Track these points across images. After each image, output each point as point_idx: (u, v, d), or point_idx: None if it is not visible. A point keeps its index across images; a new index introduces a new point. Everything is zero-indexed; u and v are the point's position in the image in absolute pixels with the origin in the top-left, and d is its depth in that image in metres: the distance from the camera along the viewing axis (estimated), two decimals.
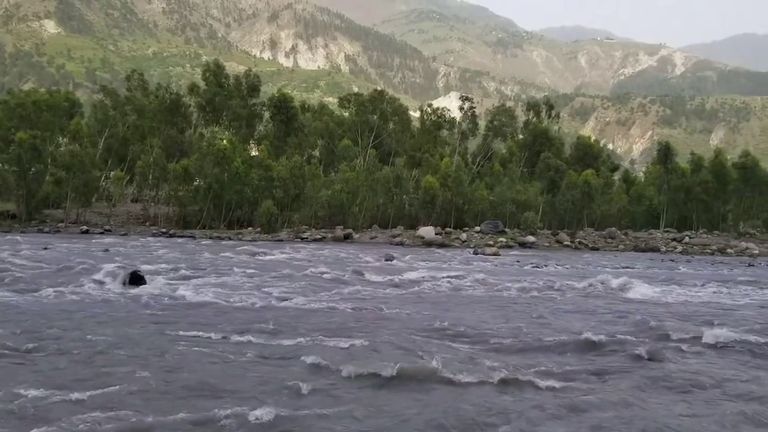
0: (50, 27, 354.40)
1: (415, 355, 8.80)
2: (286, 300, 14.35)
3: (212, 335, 10.01)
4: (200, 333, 10.16)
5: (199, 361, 8.34)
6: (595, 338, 9.95)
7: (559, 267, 28.87)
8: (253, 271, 21.02)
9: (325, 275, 20.34)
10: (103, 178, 62.87)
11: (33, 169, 54.02)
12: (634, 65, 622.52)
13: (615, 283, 19.21)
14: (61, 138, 63.66)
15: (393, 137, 74.79)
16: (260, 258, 28.35)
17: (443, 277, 20.44)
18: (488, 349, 9.71)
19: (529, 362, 8.71)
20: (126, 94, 75.94)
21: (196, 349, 9.03)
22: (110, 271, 18.14)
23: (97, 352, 8.68)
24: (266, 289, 16.14)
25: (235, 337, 9.92)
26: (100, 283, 16.17)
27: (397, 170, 62.06)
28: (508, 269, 26.78)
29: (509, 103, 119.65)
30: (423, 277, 20.42)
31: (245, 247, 35.24)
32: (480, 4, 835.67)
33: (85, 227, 50.08)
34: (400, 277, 20.53)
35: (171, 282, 17.02)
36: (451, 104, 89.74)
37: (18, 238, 38.57)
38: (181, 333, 10.18)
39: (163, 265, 21.74)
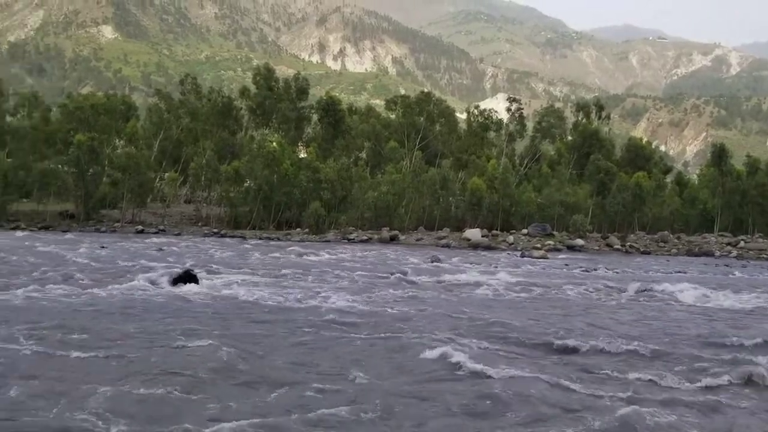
0: (107, 33, 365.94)
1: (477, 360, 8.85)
2: (332, 299, 14.58)
3: (264, 332, 10.34)
4: (257, 330, 10.50)
5: (248, 357, 8.64)
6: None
7: (609, 271, 28.41)
8: (301, 271, 21.39)
9: (371, 276, 20.56)
10: (157, 179, 64.62)
11: (91, 170, 55.83)
12: (688, 65, 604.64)
13: (669, 288, 18.84)
14: (117, 140, 65.82)
15: (439, 139, 74.67)
16: (308, 258, 28.80)
17: (490, 279, 20.42)
18: (551, 353, 9.72)
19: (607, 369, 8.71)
20: (180, 98, 78.04)
21: (251, 346, 9.35)
22: (164, 270, 18.78)
23: (161, 347, 9.06)
24: (314, 289, 16.43)
25: (284, 333, 10.22)
26: (155, 281, 16.71)
27: (444, 172, 61.96)
28: (556, 272, 26.52)
29: (558, 104, 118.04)
30: (470, 280, 20.43)
31: (293, 248, 35.80)
32: (529, 4, 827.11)
33: (140, 227, 51.56)
34: (446, 278, 20.60)
35: (222, 281, 17.49)
36: (498, 106, 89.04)
37: (77, 237, 40.08)
38: (234, 330, 10.53)
39: (215, 265, 22.34)
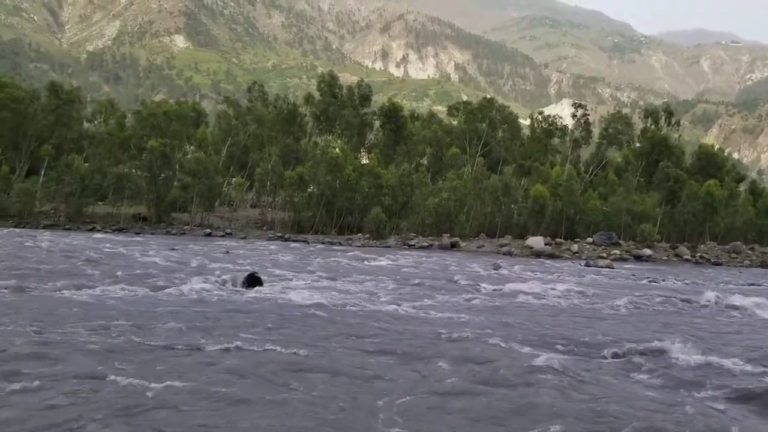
0: (180, 42, 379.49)
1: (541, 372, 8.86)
2: (394, 305, 14.72)
3: (326, 334, 10.60)
4: (320, 333, 10.78)
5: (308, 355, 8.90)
6: None
7: (679, 282, 27.52)
8: (362, 276, 21.66)
9: (431, 282, 20.63)
10: (225, 184, 66.50)
11: (162, 175, 57.93)
12: (763, 70, 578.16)
13: (743, 301, 18.15)
14: (188, 146, 68.24)
15: (502, 145, 74.04)
16: (369, 263, 29.08)
17: (554, 289, 20.16)
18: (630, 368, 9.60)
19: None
20: (247, 105, 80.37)
21: (310, 348, 9.61)
22: (230, 273, 19.39)
23: (227, 350, 9.44)
24: (375, 294, 16.62)
25: (345, 336, 10.44)
26: (221, 283, 17.27)
27: (506, 179, 61.41)
28: (623, 282, 25.89)
29: (625, 110, 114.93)
30: (532, 288, 20.21)
31: (354, 253, 36.19)
32: (595, 8, 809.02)
33: (208, 230, 53.14)
34: (508, 287, 20.45)
35: (285, 284, 17.91)
36: (563, 111, 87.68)
37: (148, 239, 41.71)
38: (296, 332, 10.84)
39: (279, 269, 22.87)
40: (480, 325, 12.43)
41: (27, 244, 29.89)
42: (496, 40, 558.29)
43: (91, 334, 9.76)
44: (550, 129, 74.45)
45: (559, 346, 10.55)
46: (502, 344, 10.36)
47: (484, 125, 73.41)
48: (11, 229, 44.33)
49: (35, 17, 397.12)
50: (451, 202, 57.06)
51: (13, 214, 51.80)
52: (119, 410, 6.37)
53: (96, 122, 77.41)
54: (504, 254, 45.91)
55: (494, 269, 28.91)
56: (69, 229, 47.98)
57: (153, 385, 7.09)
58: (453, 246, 50.00)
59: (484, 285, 20.52)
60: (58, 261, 21.97)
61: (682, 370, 9.05)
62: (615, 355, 9.98)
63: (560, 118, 76.36)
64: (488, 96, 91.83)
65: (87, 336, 9.60)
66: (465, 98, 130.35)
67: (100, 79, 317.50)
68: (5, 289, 13.95)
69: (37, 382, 7.08)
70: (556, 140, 76.37)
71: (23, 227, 47.16)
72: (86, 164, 59.08)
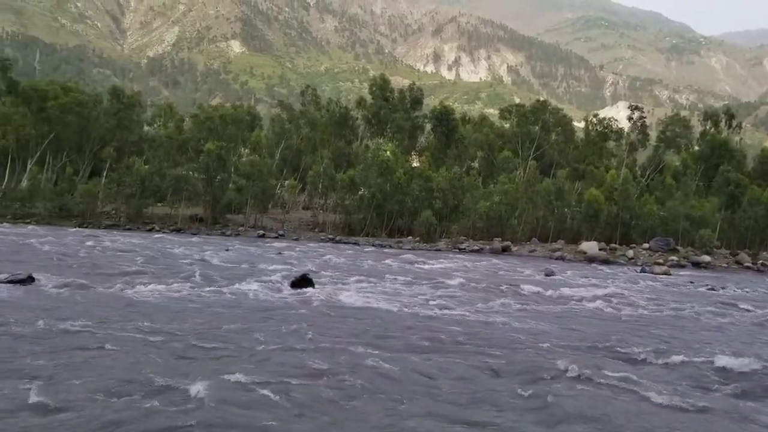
0: (236, 47, 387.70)
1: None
2: (445, 309, 14.76)
3: (378, 337, 10.75)
4: (372, 336, 10.95)
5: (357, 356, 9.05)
6: None
7: (739, 290, 26.63)
8: (412, 279, 21.76)
9: (481, 287, 20.57)
10: (278, 186, 67.59)
11: (218, 177, 59.29)
12: None
13: None
14: (243, 149, 69.69)
15: (555, 148, 72.96)
16: (419, 266, 29.15)
17: (608, 295, 19.84)
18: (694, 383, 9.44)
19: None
20: (300, 109, 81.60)
21: (358, 348, 9.78)
22: (283, 273, 19.80)
23: (276, 349, 9.70)
24: (424, 297, 16.71)
25: (396, 340, 10.56)
26: (274, 283, 17.66)
27: (559, 182, 60.46)
28: (680, 290, 25.24)
29: (684, 113, 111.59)
30: (586, 294, 19.93)
31: (405, 256, 36.31)
32: (653, 9, 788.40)
33: (261, 231, 54.12)
34: (561, 292, 20.22)
35: (336, 286, 18.18)
36: (618, 114, 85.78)
37: (204, 239, 42.80)
38: (348, 334, 11.03)
39: (330, 270, 23.20)
40: (531, 331, 12.37)
41: (89, 243, 31.12)
42: (550, 41, 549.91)
43: (151, 331, 10.17)
44: (605, 132, 72.94)
45: (609, 353, 10.43)
46: (555, 350, 10.31)
47: (537, 128, 72.47)
48: (75, 228, 46.16)
49: (99, 24, 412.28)
50: (502, 205, 56.55)
51: (76, 214, 53.91)
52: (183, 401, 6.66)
53: (155, 125, 79.91)
54: (556, 259, 45.27)
55: (546, 274, 28.56)
56: (129, 229, 49.66)
57: (208, 382, 7.37)
58: (504, 250, 49.56)
59: (535, 289, 20.34)
60: (119, 260, 22.84)
61: (734, 381, 8.85)
62: (667, 366, 9.81)
63: (616, 120, 74.65)
64: (541, 98, 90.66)
65: (144, 333, 10.01)
66: (517, 101, 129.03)
67: (160, 84, 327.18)
68: (70, 286, 14.62)
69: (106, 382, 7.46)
70: (611, 143, 74.75)
71: (86, 227, 49.02)
72: (146, 166, 60.92)
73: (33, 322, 10.04)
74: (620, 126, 74.23)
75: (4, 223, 45.23)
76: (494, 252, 48.62)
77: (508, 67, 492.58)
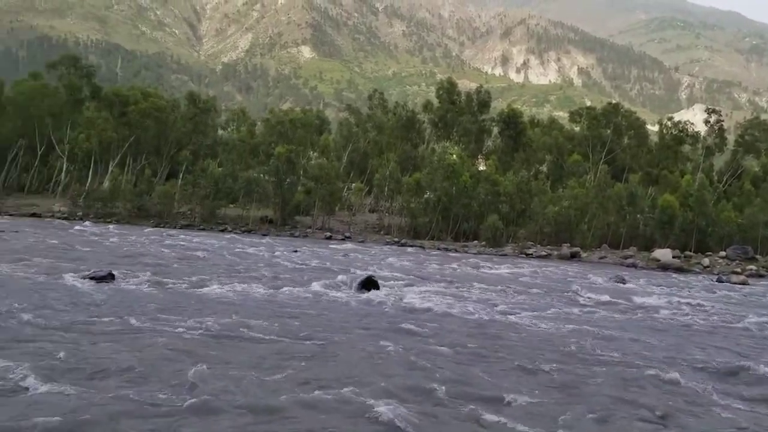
0: (306, 52, 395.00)
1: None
2: (510, 314, 14.68)
3: (443, 341, 10.83)
4: (434, 339, 11.06)
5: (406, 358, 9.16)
6: None
7: None
8: (478, 283, 21.68)
9: (549, 293, 20.30)
10: (345, 189, 68.44)
11: (288, 179, 60.50)
12: None
13: None
14: (311, 152, 70.96)
15: (627, 152, 70.93)
16: (485, 271, 28.99)
17: (682, 304, 19.24)
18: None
19: None
20: (368, 112, 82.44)
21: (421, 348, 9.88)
22: (349, 275, 20.13)
23: (341, 349, 9.94)
24: (490, 302, 16.65)
25: (460, 347, 10.62)
26: (340, 285, 17.96)
27: (631, 187, 58.75)
28: (759, 300, 24.17)
29: (764, 116, 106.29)
30: (659, 303, 19.38)
31: (470, 260, 36.16)
32: (732, 9, 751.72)
33: (328, 233, 54.91)
34: (632, 300, 19.74)
35: (401, 288, 18.34)
36: (694, 117, 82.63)
37: (273, 240, 43.84)
38: (413, 337, 11.17)
39: (395, 273, 23.39)
40: (603, 338, 12.18)
41: (165, 242, 32.46)
42: (623, 43, 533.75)
43: (223, 329, 10.59)
44: (680, 135, 70.41)
45: (690, 365, 10.16)
46: (636, 361, 10.11)
47: (609, 131, 70.66)
48: (152, 228, 48.13)
49: (176, 31, 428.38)
50: (571, 210, 55.42)
51: (154, 214, 56.12)
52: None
53: (229, 129, 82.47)
54: (628, 266, 44.01)
55: (617, 281, 27.86)
56: (203, 230, 51.32)
57: (276, 377, 7.66)
58: (573, 256, 48.55)
59: (605, 297, 19.93)
60: (193, 259, 23.75)
61: None
62: (750, 379, 9.47)
63: (692, 124, 71.94)
64: (613, 101, 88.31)
65: (215, 330, 10.43)
66: (588, 103, 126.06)
67: (234, 89, 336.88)
68: (147, 284, 15.36)
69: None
70: (686, 147, 72.10)
71: (163, 227, 50.99)
72: (219, 169, 62.87)
73: (113, 317, 10.62)
74: (696, 129, 71.55)
75: (87, 222, 47.65)
76: (563, 258, 47.71)
77: (578, 69, 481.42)
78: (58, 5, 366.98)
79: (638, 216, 58.69)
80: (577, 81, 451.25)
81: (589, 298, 19.75)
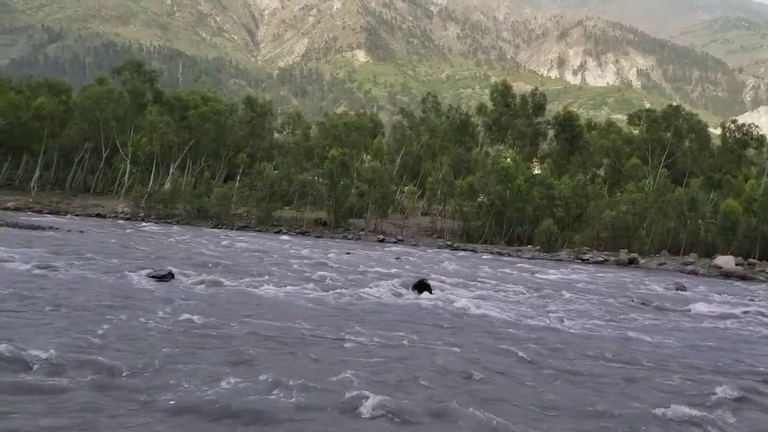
0: (360, 56, 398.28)
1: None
2: (565, 321, 14.48)
3: (496, 344, 10.83)
4: (489, 344, 11.07)
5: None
6: None
7: None
8: (531, 288, 21.47)
9: (605, 300, 19.94)
10: (398, 192, 68.71)
11: (341, 182, 61.18)
12: None
13: None
14: (365, 155, 71.54)
15: (688, 156, 68.91)
16: (539, 276, 28.65)
17: (745, 313, 18.62)
18: None
19: None
20: (421, 116, 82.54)
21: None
22: (401, 278, 20.24)
23: (396, 351, 10.06)
24: (544, 308, 16.46)
25: (513, 350, 10.60)
26: (393, 287, 18.06)
27: (692, 192, 57.01)
28: None
29: None
30: (721, 311, 18.80)
31: (524, 265, 35.78)
32: None
33: (381, 236, 55.22)
34: (694, 308, 19.22)
35: (453, 292, 18.33)
36: (759, 120, 79.91)
37: (327, 242, 44.40)
38: (465, 341, 11.20)
39: (447, 277, 23.38)
40: (660, 346, 11.96)
41: (223, 243, 33.31)
42: (684, 44, 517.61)
43: (277, 329, 10.87)
44: (744, 139, 68.01)
45: (746, 377, 9.89)
46: (701, 373, 9.89)
47: (669, 134, 68.83)
48: (211, 229, 49.42)
49: (235, 37, 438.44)
50: (629, 215, 54.16)
51: (212, 216, 57.60)
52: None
53: (284, 133, 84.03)
54: (688, 273, 42.72)
55: (677, 289, 27.12)
56: (259, 231, 52.35)
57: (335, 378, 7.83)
58: (631, 262, 47.44)
59: (664, 305, 19.47)
60: (249, 260, 24.33)
61: None
62: None
63: (756, 127, 69.38)
64: (674, 103, 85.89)
65: (270, 330, 10.72)
66: (647, 106, 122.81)
67: (289, 93, 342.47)
68: (205, 283, 15.83)
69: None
70: (751, 151, 69.61)
71: (220, 228, 52.29)
72: (275, 171, 64.04)
73: (173, 315, 11.03)
74: (761, 132, 68.93)
75: (149, 222, 49.29)
76: (620, 264, 46.68)
77: (637, 71, 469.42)
78: (123, 13, 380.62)
79: (699, 221, 56.90)
80: (636, 83, 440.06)
81: (646, 305, 19.33)
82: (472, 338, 11.29)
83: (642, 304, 19.46)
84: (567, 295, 20.34)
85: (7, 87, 66.00)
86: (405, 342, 10.30)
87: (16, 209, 49.44)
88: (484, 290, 19.62)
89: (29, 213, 46.99)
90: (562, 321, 14.38)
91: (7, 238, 24.16)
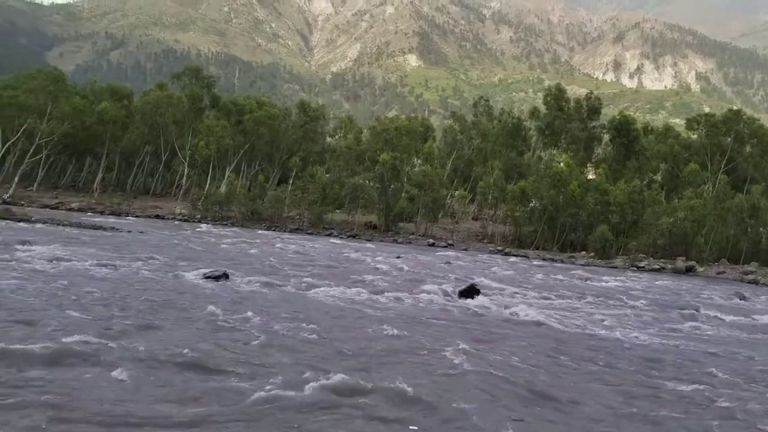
0: (412, 61, 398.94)
1: None
2: (621, 330, 14.23)
3: (548, 353, 10.78)
4: (542, 352, 11.03)
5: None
6: None
7: None
8: (585, 296, 21.14)
9: (660, 309, 19.50)
10: (448, 196, 68.56)
11: (392, 186, 61.49)
12: None
13: None
14: (415, 159, 71.66)
15: (750, 162, 66.56)
16: (592, 283, 28.18)
17: None
18: None
19: None
20: (472, 120, 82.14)
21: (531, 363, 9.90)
22: (451, 283, 20.27)
23: (449, 357, 10.13)
24: (597, 317, 16.16)
25: (566, 359, 10.53)
26: (442, 292, 18.05)
27: (753, 199, 55.05)
28: None
29: None
30: None
31: (577, 272, 35.23)
32: None
33: (431, 240, 55.21)
34: (753, 318, 18.64)
35: (504, 298, 18.23)
36: None
37: (377, 246, 44.67)
38: (514, 347, 11.19)
39: (498, 282, 23.24)
40: (718, 356, 11.69)
41: (277, 245, 33.93)
42: (746, 46, 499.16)
43: (325, 332, 11.09)
44: None
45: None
46: (747, 385, 9.68)
47: (729, 139, 66.65)
48: (264, 231, 50.37)
49: (290, 43, 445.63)
50: (687, 222, 52.68)
51: (265, 218, 58.70)
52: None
53: (336, 137, 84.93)
54: (748, 282, 41.28)
55: (738, 298, 26.28)
56: (310, 234, 53.05)
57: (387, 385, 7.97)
58: (688, 270, 46.14)
59: (726, 315, 18.90)
60: (301, 262, 24.75)
61: None
62: None
63: None
64: (735, 107, 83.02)
65: (321, 334, 10.94)
66: (707, 110, 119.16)
67: (341, 98, 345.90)
68: (258, 284, 16.21)
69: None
70: None
71: (273, 230, 53.22)
72: (327, 175, 64.84)
73: (230, 313, 11.39)
74: None
75: (205, 224, 50.60)
76: (677, 272, 45.44)
77: (696, 74, 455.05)
78: (183, 20, 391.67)
79: (761, 229, 54.91)
80: (695, 86, 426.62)
81: (705, 314, 18.82)
82: (520, 345, 11.26)
83: (699, 312, 18.96)
84: (622, 302, 19.99)
85: (72, 92, 68.76)
86: (451, 348, 10.35)
87: (80, 210, 51.50)
88: (536, 297, 19.46)
89: (91, 214, 48.83)
90: (616, 329, 14.16)
91: (71, 237, 25.25)
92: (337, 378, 7.35)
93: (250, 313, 11.29)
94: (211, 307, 11.50)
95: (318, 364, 8.21)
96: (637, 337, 13.32)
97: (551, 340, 12.15)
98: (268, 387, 6.99)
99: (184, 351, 8.15)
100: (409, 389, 7.30)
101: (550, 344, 11.60)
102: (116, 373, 7.06)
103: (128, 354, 7.83)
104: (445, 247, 52.26)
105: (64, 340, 8.05)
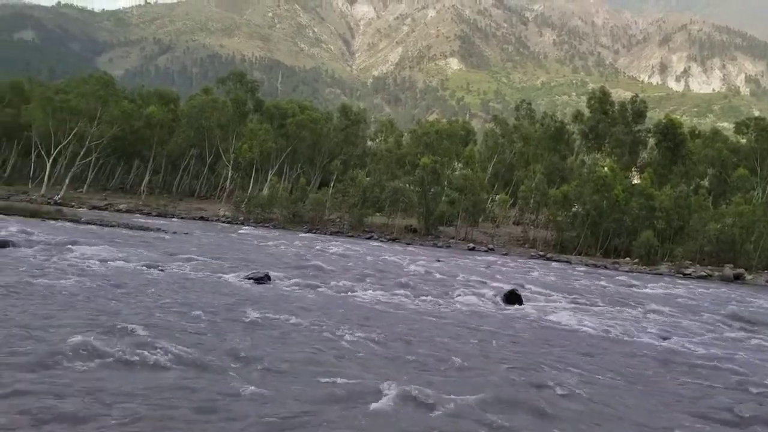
0: (453, 64, 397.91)
1: None
2: (667, 339, 13.91)
3: (593, 361, 10.64)
4: (582, 361, 10.91)
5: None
6: None
7: None
8: (629, 303, 20.76)
9: (707, 317, 19.03)
10: (489, 200, 68.16)
11: (432, 190, 61.47)
12: None
13: None
14: (456, 163, 71.50)
15: None
16: (637, 290, 27.66)
17: None
18: None
19: None
20: (514, 123, 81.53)
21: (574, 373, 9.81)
22: (492, 288, 20.13)
23: (472, 366, 10.11)
24: (642, 325, 15.84)
25: (614, 369, 10.37)
26: (482, 297, 17.93)
27: None
28: None
29: None
30: None
31: (621, 278, 34.62)
32: None
33: (471, 245, 54.97)
34: None
35: (546, 304, 18.00)
36: None
37: (417, 250, 44.67)
38: (555, 354, 11.08)
39: (539, 288, 22.98)
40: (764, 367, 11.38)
41: (317, 247, 34.25)
42: None
43: (366, 334, 11.18)
44: None
45: None
46: None
47: None
48: (305, 233, 50.90)
49: (332, 47, 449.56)
50: (736, 228, 51.25)
51: (306, 221, 59.37)
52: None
53: (377, 140, 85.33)
54: None
55: None
56: (351, 237, 53.36)
57: (400, 388, 8.01)
58: (737, 278, 44.88)
59: None
60: (342, 265, 24.93)
61: None
62: None
63: None
64: None
65: (360, 335, 11.03)
66: (757, 113, 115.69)
67: (383, 101, 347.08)
68: (300, 286, 16.41)
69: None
70: None
71: (314, 232, 53.76)
72: (367, 178, 65.20)
73: (272, 315, 11.57)
74: None
75: (247, 226, 51.42)
76: (725, 280, 44.25)
77: (746, 77, 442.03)
78: (228, 25, 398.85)
79: None
80: (744, 90, 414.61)
81: (750, 324, 18.29)
82: (561, 352, 11.14)
83: (751, 322, 18.42)
84: (667, 310, 19.57)
85: (121, 96, 70.75)
86: (483, 353, 10.31)
87: (128, 211, 52.94)
88: (578, 303, 19.19)
89: (138, 215, 50.11)
90: (660, 338, 13.87)
91: (119, 238, 25.98)
92: (413, 388, 7.31)
93: (293, 315, 11.46)
94: (253, 309, 11.71)
95: (383, 371, 8.20)
96: (687, 348, 12.99)
97: (589, 347, 11.96)
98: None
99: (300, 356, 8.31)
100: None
101: (586, 351, 11.41)
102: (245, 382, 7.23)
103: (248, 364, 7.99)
104: (485, 251, 51.94)
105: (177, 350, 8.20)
